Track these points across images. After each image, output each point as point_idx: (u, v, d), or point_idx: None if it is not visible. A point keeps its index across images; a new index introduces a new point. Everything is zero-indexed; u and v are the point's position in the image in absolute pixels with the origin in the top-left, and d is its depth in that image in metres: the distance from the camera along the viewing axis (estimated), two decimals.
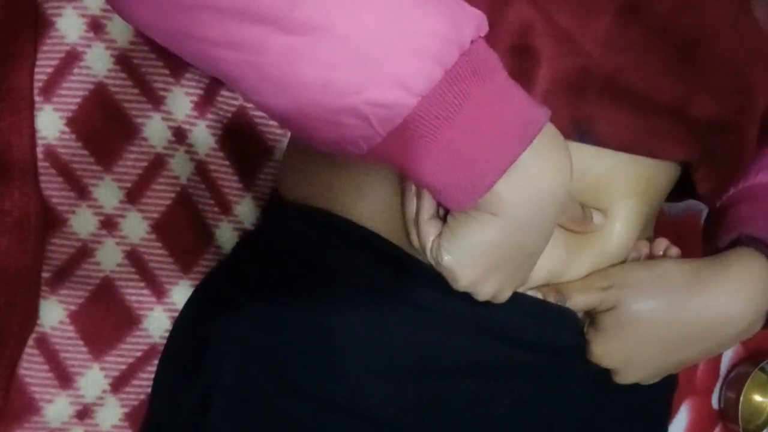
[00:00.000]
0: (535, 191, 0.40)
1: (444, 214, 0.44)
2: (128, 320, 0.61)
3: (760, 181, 0.58)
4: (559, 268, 0.49)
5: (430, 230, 0.43)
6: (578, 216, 0.47)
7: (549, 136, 0.40)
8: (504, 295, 0.45)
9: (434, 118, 0.37)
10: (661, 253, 0.53)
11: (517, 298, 0.47)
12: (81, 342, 0.60)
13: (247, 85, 0.38)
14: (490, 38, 0.41)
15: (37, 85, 0.57)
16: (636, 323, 0.49)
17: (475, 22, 0.38)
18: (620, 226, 0.49)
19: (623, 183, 0.48)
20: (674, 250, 0.53)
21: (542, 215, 0.41)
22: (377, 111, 0.37)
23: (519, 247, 0.42)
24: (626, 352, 0.49)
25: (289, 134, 0.64)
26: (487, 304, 0.45)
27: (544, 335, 0.49)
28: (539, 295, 0.49)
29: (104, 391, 0.61)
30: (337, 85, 0.36)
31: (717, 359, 1.00)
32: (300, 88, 0.37)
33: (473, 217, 0.41)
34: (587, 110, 0.45)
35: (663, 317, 0.49)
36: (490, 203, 0.40)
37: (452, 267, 0.43)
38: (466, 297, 0.44)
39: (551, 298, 0.48)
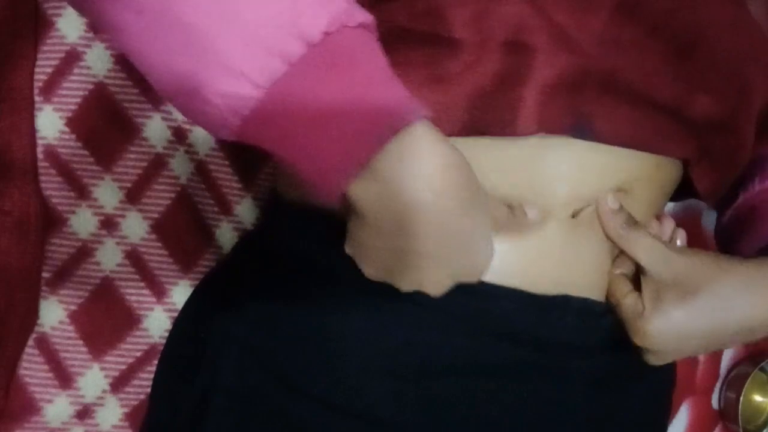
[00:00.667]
0: (391, 198, 0.38)
1: None
2: (128, 320, 0.61)
3: None
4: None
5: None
6: (503, 217, 0.45)
7: (421, 139, 0.38)
8: (434, 290, 0.43)
9: (281, 111, 0.37)
10: (668, 234, 0.52)
11: (516, 291, 0.47)
12: (81, 342, 0.60)
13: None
14: (481, 33, 0.41)
15: (37, 85, 0.57)
16: (700, 308, 0.47)
17: (332, 12, 0.37)
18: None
19: (624, 179, 0.48)
20: (681, 233, 0.53)
21: (414, 221, 0.39)
22: (225, 100, 0.37)
23: (408, 250, 0.40)
24: (680, 337, 0.48)
25: None
26: (486, 299, 0.45)
27: (543, 328, 0.49)
28: (616, 204, 0.47)
29: (104, 391, 0.61)
30: (181, 70, 0.37)
31: (717, 359, 1.00)
32: (155, 70, 0.38)
33: (352, 215, 0.41)
34: (586, 108, 0.45)
35: (724, 309, 0.47)
36: (353, 204, 0.39)
37: (352, 257, 0.43)
38: (464, 293, 0.44)
39: (620, 218, 0.47)
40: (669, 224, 0.53)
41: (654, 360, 0.50)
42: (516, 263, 0.47)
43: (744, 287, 0.48)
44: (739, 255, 0.53)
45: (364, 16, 0.38)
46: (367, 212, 0.39)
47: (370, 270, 0.43)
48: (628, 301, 0.48)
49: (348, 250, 0.43)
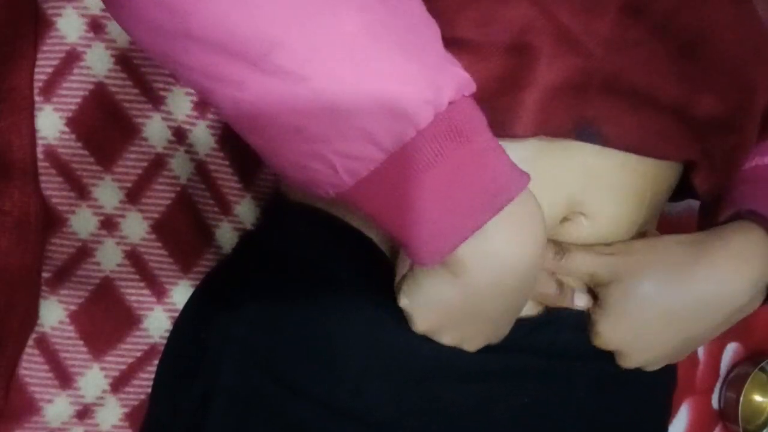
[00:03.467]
0: (498, 260, 0.40)
1: None
2: (128, 320, 0.61)
3: (758, 164, 0.57)
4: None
5: (402, 266, 0.44)
6: (550, 294, 0.47)
7: (524, 205, 0.40)
8: (470, 347, 0.45)
9: (401, 175, 0.37)
10: None
11: None
12: (81, 342, 0.60)
13: (227, 115, 0.39)
14: (486, 36, 0.41)
15: (37, 85, 0.57)
16: (641, 296, 0.47)
17: (457, 82, 0.38)
18: (621, 225, 0.49)
19: (625, 182, 0.48)
20: None
21: (504, 284, 0.41)
22: (345, 161, 0.37)
23: (478, 312, 0.42)
24: (632, 330, 0.48)
25: None
26: None
27: (544, 335, 0.49)
28: None
29: (104, 391, 0.61)
30: (308, 131, 0.37)
31: (717, 359, 1.00)
32: (273, 129, 0.38)
33: (436, 272, 0.41)
34: (591, 111, 0.45)
35: (667, 290, 0.48)
36: (451, 264, 0.40)
37: (408, 311, 0.43)
38: None
39: (550, 253, 0.48)
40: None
41: (626, 362, 0.50)
42: None
43: (681, 266, 0.48)
44: (714, 224, 0.53)
45: (474, 84, 0.39)
46: (469, 273, 0.40)
47: (425, 326, 0.44)
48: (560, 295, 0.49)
49: (404, 302, 0.43)
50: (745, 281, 0.48)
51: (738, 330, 1.01)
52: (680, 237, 0.50)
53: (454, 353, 0.47)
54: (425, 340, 0.46)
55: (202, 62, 0.37)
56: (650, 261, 0.48)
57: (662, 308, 0.48)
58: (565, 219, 0.48)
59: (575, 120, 0.45)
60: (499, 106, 0.44)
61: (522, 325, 0.48)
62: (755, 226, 0.50)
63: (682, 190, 0.54)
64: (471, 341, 0.45)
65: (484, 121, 0.39)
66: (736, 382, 0.98)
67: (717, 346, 0.99)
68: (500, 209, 0.39)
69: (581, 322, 0.50)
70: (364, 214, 0.40)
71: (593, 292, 0.50)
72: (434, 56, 0.38)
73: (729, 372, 1.00)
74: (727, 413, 0.99)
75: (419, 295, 0.43)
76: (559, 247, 0.48)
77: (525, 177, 0.40)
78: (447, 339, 0.44)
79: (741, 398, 0.96)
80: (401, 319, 0.45)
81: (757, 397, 1.01)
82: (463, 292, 0.41)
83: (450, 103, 0.37)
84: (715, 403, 1.00)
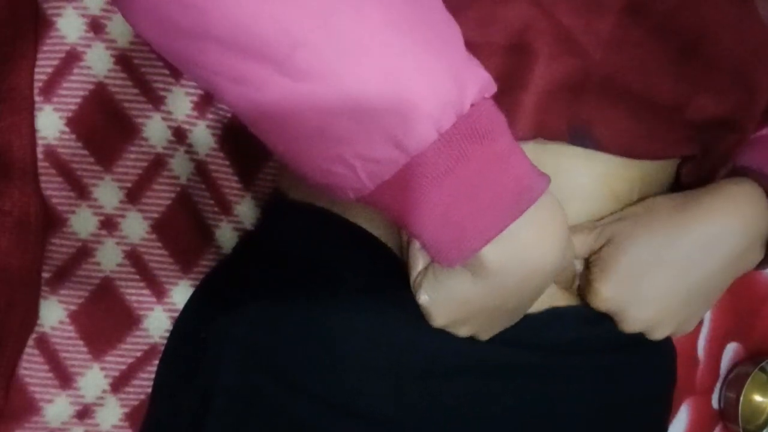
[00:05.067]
0: (523, 261, 0.40)
1: None
2: (128, 320, 0.61)
3: (758, 134, 0.57)
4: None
5: (417, 261, 0.43)
6: (570, 278, 0.48)
7: (547, 206, 0.40)
8: (485, 336, 0.46)
9: (424, 177, 0.37)
10: None
11: None
12: (81, 342, 0.60)
13: (246, 117, 0.38)
14: (485, 37, 0.41)
15: (37, 85, 0.57)
16: (635, 248, 0.47)
17: (480, 84, 0.37)
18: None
19: (620, 185, 0.48)
20: None
21: (528, 283, 0.41)
22: (366, 164, 0.37)
23: (499, 307, 0.43)
24: (629, 284, 0.47)
25: None
26: None
27: (549, 332, 0.49)
28: None
29: (104, 391, 0.61)
30: (330, 134, 0.36)
31: (717, 359, 1.00)
32: (293, 131, 0.37)
33: (458, 271, 0.41)
34: (585, 114, 0.45)
35: (660, 238, 0.47)
36: (475, 265, 0.40)
37: (428, 307, 0.43)
38: None
39: None
40: None
41: (627, 324, 0.48)
42: None
43: (672, 215, 0.48)
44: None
45: (495, 85, 0.39)
46: (493, 274, 0.40)
47: (443, 321, 0.44)
48: (576, 281, 0.49)
49: (423, 299, 0.43)
50: (738, 224, 0.48)
51: (738, 330, 1.01)
52: (672, 194, 0.50)
53: (455, 351, 0.47)
54: (426, 338, 0.46)
55: (220, 62, 0.36)
56: (642, 217, 0.48)
57: (657, 256, 0.47)
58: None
59: (569, 122, 0.45)
60: (498, 107, 0.44)
61: (528, 321, 0.48)
62: (748, 180, 0.50)
63: (680, 189, 0.54)
64: (486, 332, 0.45)
65: (504, 123, 0.39)
66: (736, 382, 0.98)
67: (717, 346, 0.99)
68: (523, 211, 0.39)
69: (586, 318, 0.50)
70: (385, 216, 0.40)
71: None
72: (458, 56, 0.38)
73: (729, 372, 1.00)
74: (727, 413, 0.99)
75: (439, 292, 0.42)
76: None
77: (545, 178, 0.40)
78: (463, 331, 0.44)
79: (741, 398, 0.96)
80: (401, 316, 0.46)
81: (757, 397, 1.01)
82: (485, 291, 0.41)
83: (472, 105, 0.37)
84: (715, 403, 1.00)
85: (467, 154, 0.37)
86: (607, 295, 0.47)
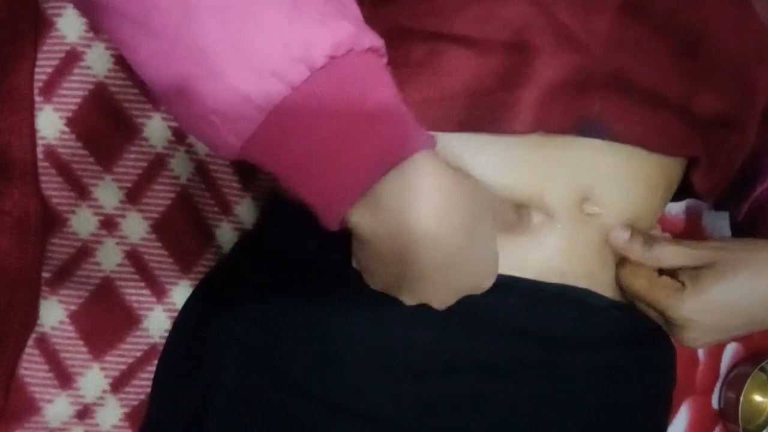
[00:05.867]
0: (396, 227, 0.38)
1: None
2: (128, 320, 0.61)
3: None
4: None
5: None
6: (510, 221, 0.46)
7: (423, 169, 0.38)
8: (438, 305, 0.43)
9: (282, 135, 0.37)
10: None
11: (515, 281, 0.47)
12: (81, 342, 0.60)
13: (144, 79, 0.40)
14: (485, 34, 0.41)
15: (37, 85, 0.57)
16: (733, 283, 0.48)
17: (334, 37, 0.37)
18: (639, 213, 0.50)
19: (635, 174, 0.49)
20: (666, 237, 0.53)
21: (415, 251, 0.39)
22: (225, 122, 0.37)
23: (405, 275, 0.41)
24: (713, 314, 0.49)
25: None
26: (485, 292, 0.45)
27: (543, 320, 0.49)
28: (627, 234, 0.48)
29: (104, 391, 0.61)
30: (187, 91, 0.37)
31: (717, 359, 1.00)
32: (164, 91, 0.38)
33: (354, 236, 0.41)
34: (595, 108, 0.45)
35: (758, 282, 0.48)
36: (353, 229, 0.39)
37: (359, 271, 0.43)
38: None
39: (638, 243, 0.48)
40: (656, 231, 0.54)
41: (688, 339, 0.50)
42: (516, 254, 0.47)
43: None
44: None
45: (373, 41, 0.38)
46: (366, 238, 0.39)
47: (375, 285, 0.43)
48: (662, 280, 0.49)
49: (354, 265, 0.43)
50: None
51: None
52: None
53: (454, 349, 0.47)
54: (425, 337, 0.46)
55: (113, 29, 0.38)
56: (744, 254, 0.49)
57: (745, 296, 0.48)
58: (580, 206, 0.48)
59: (576, 117, 0.45)
60: (498, 102, 0.44)
61: (523, 314, 0.48)
62: None
63: (681, 190, 0.55)
64: (433, 300, 0.43)
65: (380, 77, 0.38)
66: (736, 382, 0.98)
67: (717, 346, 0.99)
68: (384, 171, 0.37)
69: (582, 311, 0.50)
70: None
71: (670, 273, 0.50)
72: (311, 12, 0.37)
73: (729, 372, 1.00)
74: (727, 413, 0.99)
75: (354, 259, 0.43)
76: (648, 237, 0.49)
77: (422, 137, 0.38)
78: (406, 300, 0.43)
79: (741, 398, 0.96)
80: (400, 315, 0.46)
81: (757, 397, 1.01)
82: (374, 256, 0.40)
83: (331, 58, 0.36)
84: (715, 403, 1.00)
85: (326, 108, 0.36)
86: (689, 312, 0.49)
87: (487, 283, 0.44)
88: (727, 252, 0.49)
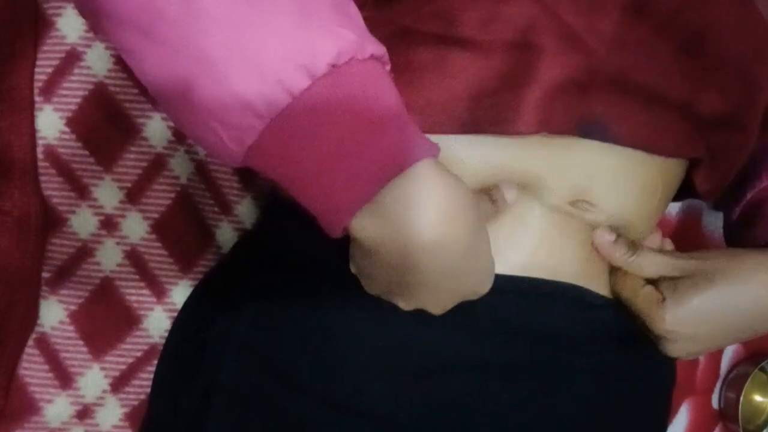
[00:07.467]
0: (397, 236, 0.38)
1: None
2: (128, 320, 0.61)
3: None
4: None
5: None
6: (490, 211, 0.45)
7: (425, 179, 0.38)
8: (435, 310, 0.43)
9: (284, 143, 0.37)
10: (659, 243, 0.53)
11: (513, 281, 0.47)
12: (81, 342, 0.60)
13: (150, 90, 0.40)
14: (488, 35, 0.41)
15: (37, 85, 0.57)
16: (712, 294, 0.48)
17: (337, 45, 0.36)
18: (634, 215, 0.50)
19: (633, 176, 0.49)
20: (668, 243, 0.53)
21: (415, 260, 0.38)
22: (227, 130, 0.37)
23: (404, 282, 0.41)
24: (695, 325, 0.49)
25: None
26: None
27: (538, 318, 0.49)
28: (612, 236, 0.49)
29: (104, 391, 0.61)
30: (191, 99, 0.37)
31: (717, 359, 1.00)
32: (168, 98, 0.38)
33: (353, 243, 0.41)
34: (597, 109, 0.45)
35: (738, 291, 0.49)
36: (354, 236, 0.39)
37: (358, 277, 0.43)
38: None
39: (621, 248, 0.49)
40: (657, 235, 0.54)
41: (671, 350, 0.50)
42: (509, 251, 0.47)
43: (755, 270, 0.49)
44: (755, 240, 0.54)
45: (376, 49, 0.38)
46: (368, 245, 0.39)
47: (373, 291, 0.43)
48: (645, 291, 0.50)
49: (352, 270, 0.44)
50: None
51: None
52: (758, 250, 0.51)
53: (454, 349, 0.47)
54: (425, 337, 0.46)
55: (117, 37, 0.38)
56: (728, 263, 0.49)
57: (726, 307, 0.49)
58: (573, 203, 0.48)
59: (577, 118, 0.45)
60: (501, 103, 0.44)
61: (518, 311, 0.48)
62: None
63: (681, 190, 0.55)
64: (431, 306, 0.43)
65: (383, 85, 0.38)
66: (736, 382, 0.98)
67: None
68: (387, 180, 0.37)
69: (575, 307, 0.50)
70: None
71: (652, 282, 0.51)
72: (316, 20, 0.37)
73: (729, 372, 1.00)
74: (727, 413, 0.99)
75: (353, 264, 0.43)
76: (631, 244, 0.49)
77: (425, 146, 0.38)
78: (404, 306, 0.43)
79: (741, 398, 0.96)
80: (400, 315, 0.46)
81: (757, 397, 1.01)
82: (374, 263, 0.40)
83: (333, 66, 0.36)
84: (715, 403, 1.00)
85: (329, 116, 0.36)
86: (670, 324, 0.49)
87: (485, 288, 0.44)
88: (707, 262, 0.49)
